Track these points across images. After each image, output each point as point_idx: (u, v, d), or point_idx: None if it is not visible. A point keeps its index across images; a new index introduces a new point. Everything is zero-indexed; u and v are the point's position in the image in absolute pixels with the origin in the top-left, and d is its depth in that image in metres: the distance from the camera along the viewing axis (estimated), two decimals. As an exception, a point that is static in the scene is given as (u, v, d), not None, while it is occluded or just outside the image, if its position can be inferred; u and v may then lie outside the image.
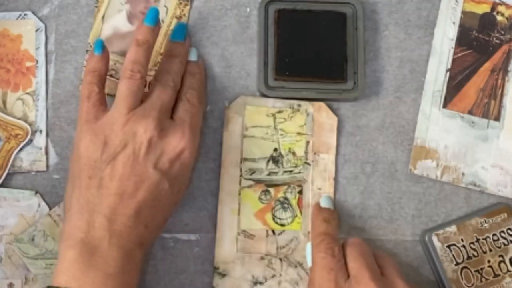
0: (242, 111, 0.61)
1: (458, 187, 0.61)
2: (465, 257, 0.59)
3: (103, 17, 0.62)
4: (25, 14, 0.62)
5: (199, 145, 0.58)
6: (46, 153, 0.60)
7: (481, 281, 0.59)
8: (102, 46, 0.58)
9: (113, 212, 0.52)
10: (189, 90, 0.57)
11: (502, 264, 0.59)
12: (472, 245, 0.59)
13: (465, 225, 0.60)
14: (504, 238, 0.59)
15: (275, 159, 0.60)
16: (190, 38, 0.61)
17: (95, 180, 0.52)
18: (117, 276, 0.50)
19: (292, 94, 0.61)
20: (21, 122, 0.60)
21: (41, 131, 0.61)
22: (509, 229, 0.60)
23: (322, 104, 0.61)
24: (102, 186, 0.52)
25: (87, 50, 0.62)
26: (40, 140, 0.60)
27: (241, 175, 0.60)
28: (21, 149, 0.60)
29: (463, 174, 0.61)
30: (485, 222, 0.60)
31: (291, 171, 0.60)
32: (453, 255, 0.59)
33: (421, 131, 0.61)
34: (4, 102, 0.61)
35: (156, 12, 0.58)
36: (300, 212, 0.60)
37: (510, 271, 0.59)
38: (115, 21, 0.62)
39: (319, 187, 0.60)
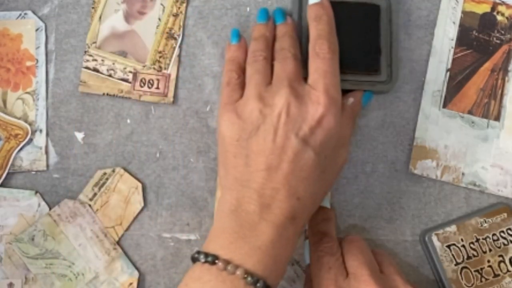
0: None
1: (458, 187, 0.61)
2: (465, 257, 0.59)
3: (100, 17, 0.62)
4: (25, 14, 0.62)
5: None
6: (46, 152, 0.60)
7: (481, 281, 0.59)
8: (238, 35, 0.59)
9: (262, 187, 0.51)
10: (318, 40, 0.55)
11: (502, 264, 0.59)
12: (472, 245, 0.59)
13: (465, 225, 0.60)
14: (504, 238, 0.59)
15: None
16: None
17: (241, 159, 0.52)
18: (266, 249, 0.49)
19: None
20: (21, 122, 0.60)
21: (41, 131, 0.61)
22: (509, 229, 0.60)
23: None
24: (248, 163, 0.52)
25: (85, 51, 0.62)
26: (40, 139, 0.60)
27: None
28: (21, 148, 0.60)
29: (463, 174, 0.61)
30: (485, 222, 0.60)
31: None
32: (453, 255, 0.59)
33: (421, 131, 0.61)
34: (4, 102, 0.61)
35: (265, 11, 0.60)
36: None
37: (510, 271, 0.59)
38: (112, 21, 0.62)
39: None
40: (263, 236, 0.50)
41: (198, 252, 0.50)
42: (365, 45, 0.60)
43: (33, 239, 0.58)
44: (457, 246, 0.59)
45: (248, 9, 0.63)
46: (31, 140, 0.60)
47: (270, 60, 0.56)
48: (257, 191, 0.51)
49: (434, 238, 0.59)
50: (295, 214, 0.51)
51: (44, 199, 0.60)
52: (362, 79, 0.60)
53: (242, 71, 0.57)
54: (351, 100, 0.58)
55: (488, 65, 0.62)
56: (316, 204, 0.55)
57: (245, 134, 0.52)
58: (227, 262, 0.48)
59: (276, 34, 0.59)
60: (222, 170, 0.54)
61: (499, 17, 0.63)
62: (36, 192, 0.60)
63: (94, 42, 0.62)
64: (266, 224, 0.50)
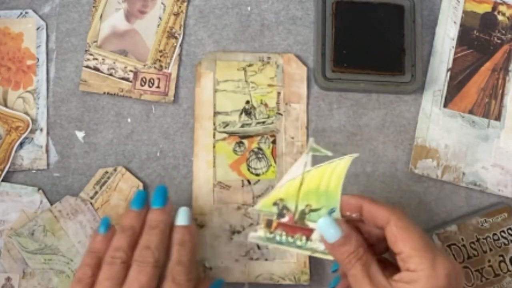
0: (213, 67, 0.61)
1: (458, 186, 0.61)
2: (466, 256, 0.59)
3: (101, 16, 0.62)
4: (26, 12, 0.62)
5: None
6: (47, 151, 0.61)
7: (481, 281, 0.59)
8: (107, 226, 0.54)
9: None
10: (176, 266, 0.52)
11: (502, 264, 0.59)
12: (472, 245, 0.59)
13: (466, 224, 0.60)
14: (505, 238, 0.59)
15: (247, 111, 0.61)
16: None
17: None
18: None
19: (350, 86, 0.61)
20: (22, 114, 0.60)
21: (41, 130, 0.61)
22: (510, 228, 0.60)
23: (291, 55, 0.62)
24: None
25: (86, 50, 0.62)
26: (40, 138, 0.60)
27: (214, 129, 0.61)
28: (21, 146, 0.60)
29: (463, 173, 0.61)
30: (486, 221, 0.60)
31: (263, 122, 0.61)
32: (453, 255, 0.59)
33: (421, 131, 0.61)
34: (5, 100, 0.61)
35: (143, 196, 0.55)
36: (275, 161, 0.60)
37: (510, 271, 0.59)
38: (113, 20, 0.62)
39: (292, 136, 0.61)
40: None
41: None
42: (389, 46, 0.61)
43: (33, 234, 0.58)
44: (458, 246, 0.59)
45: (248, 8, 0.63)
46: (32, 139, 0.60)
47: (130, 260, 0.52)
48: None
49: (435, 238, 0.59)
50: None
51: (46, 196, 0.60)
52: (386, 79, 0.60)
53: (98, 267, 0.52)
54: None
55: (488, 65, 0.62)
56: None
57: None
58: None
59: (146, 222, 0.54)
60: None
61: (500, 17, 0.63)
62: (39, 189, 0.60)
63: (95, 41, 0.62)
64: None
